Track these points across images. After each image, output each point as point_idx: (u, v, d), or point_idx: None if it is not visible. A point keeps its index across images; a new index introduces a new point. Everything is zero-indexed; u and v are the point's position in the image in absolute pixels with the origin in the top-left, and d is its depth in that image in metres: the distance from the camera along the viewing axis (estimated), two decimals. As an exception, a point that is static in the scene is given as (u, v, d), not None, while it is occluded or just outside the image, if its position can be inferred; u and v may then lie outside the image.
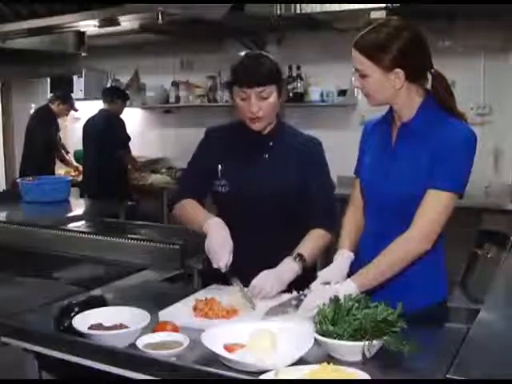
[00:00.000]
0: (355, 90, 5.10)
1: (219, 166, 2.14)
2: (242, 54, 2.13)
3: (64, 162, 6.21)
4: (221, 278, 2.01)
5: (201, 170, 2.19)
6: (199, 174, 2.20)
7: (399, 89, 1.76)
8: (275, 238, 2.03)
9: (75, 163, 6.17)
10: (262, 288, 1.87)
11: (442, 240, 1.83)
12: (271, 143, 2.15)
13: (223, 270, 1.92)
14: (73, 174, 5.98)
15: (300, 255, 1.97)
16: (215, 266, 1.93)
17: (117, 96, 5.50)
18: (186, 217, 2.15)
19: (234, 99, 2.08)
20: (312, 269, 2.16)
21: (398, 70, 1.72)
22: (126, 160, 5.51)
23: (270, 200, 2.09)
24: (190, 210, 2.14)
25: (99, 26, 2.90)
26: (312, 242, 2.05)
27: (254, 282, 1.89)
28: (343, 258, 1.88)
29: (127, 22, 3.01)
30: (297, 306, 1.77)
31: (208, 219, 2.02)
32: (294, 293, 1.86)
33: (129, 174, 5.62)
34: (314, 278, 1.82)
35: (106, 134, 5.24)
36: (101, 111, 5.44)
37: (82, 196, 5.41)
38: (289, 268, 1.94)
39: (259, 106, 2.02)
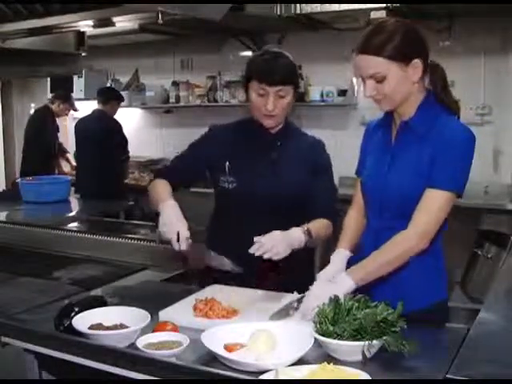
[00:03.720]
0: (355, 89, 5.12)
1: (227, 162, 2.15)
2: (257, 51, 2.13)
3: (66, 160, 6.21)
4: (220, 278, 2.01)
5: (192, 159, 2.22)
6: (188, 162, 2.23)
7: (417, 81, 1.76)
8: None
9: (74, 163, 6.17)
10: (273, 245, 1.85)
11: (441, 240, 1.83)
12: (279, 143, 2.17)
13: (179, 243, 1.92)
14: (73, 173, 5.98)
15: (308, 230, 1.97)
16: (168, 237, 1.94)
17: (111, 97, 5.49)
18: (151, 194, 2.17)
19: (250, 94, 2.10)
20: (311, 268, 2.19)
21: (415, 60, 1.73)
22: (125, 164, 5.52)
23: (275, 198, 2.10)
24: (157, 188, 2.16)
25: (99, 26, 2.90)
26: (318, 226, 2.06)
27: (266, 237, 1.86)
28: (340, 256, 1.89)
29: (127, 22, 3.01)
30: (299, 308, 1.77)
31: (166, 201, 2.04)
32: (295, 294, 1.86)
33: (125, 175, 5.63)
34: (312, 277, 1.83)
35: (102, 134, 5.22)
36: (94, 112, 5.43)
37: (81, 196, 5.41)
38: (297, 236, 1.94)
39: (275, 104, 2.05)
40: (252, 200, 2.11)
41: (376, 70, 1.72)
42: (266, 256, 1.84)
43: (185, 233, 1.94)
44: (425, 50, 1.78)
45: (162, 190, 2.15)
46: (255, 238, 1.85)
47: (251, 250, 1.84)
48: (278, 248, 1.86)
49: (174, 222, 1.97)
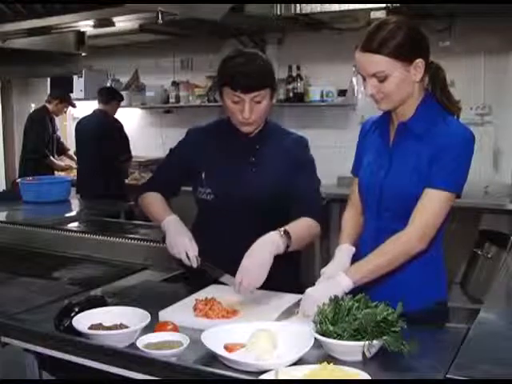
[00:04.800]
0: (355, 89, 5.12)
1: (203, 173, 2.10)
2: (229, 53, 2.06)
3: (70, 158, 6.20)
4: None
5: (175, 168, 2.21)
6: (172, 171, 2.21)
7: (419, 81, 1.76)
8: None
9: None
10: (249, 280, 1.79)
11: (441, 240, 1.83)
12: (258, 146, 2.10)
13: (193, 260, 1.94)
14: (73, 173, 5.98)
15: (286, 231, 1.89)
16: (178, 256, 1.96)
17: (112, 97, 5.49)
18: (147, 209, 2.18)
19: (225, 100, 2.01)
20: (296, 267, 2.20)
21: (418, 60, 1.73)
22: (127, 164, 5.53)
23: (256, 204, 2.06)
24: (152, 202, 2.16)
25: (99, 26, 2.90)
26: (300, 225, 1.98)
27: (238, 276, 1.81)
28: (343, 252, 1.88)
29: (127, 22, 3.01)
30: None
31: (166, 217, 2.04)
32: (296, 295, 1.86)
33: (126, 175, 5.63)
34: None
35: (103, 134, 5.22)
36: (95, 111, 5.42)
37: (82, 196, 5.41)
38: (272, 242, 1.85)
39: (252, 110, 1.97)
40: (232, 209, 2.06)
41: (378, 69, 1.71)
42: (249, 291, 1.81)
43: (193, 252, 1.95)
44: (427, 50, 1.78)
45: (157, 205, 2.15)
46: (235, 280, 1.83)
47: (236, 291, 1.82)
48: (254, 279, 1.79)
49: (180, 242, 1.97)
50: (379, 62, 1.71)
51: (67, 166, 6.08)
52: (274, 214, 2.04)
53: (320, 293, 1.67)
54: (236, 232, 2.05)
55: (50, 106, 5.94)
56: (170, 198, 2.21)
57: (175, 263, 2.11)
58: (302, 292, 1.78)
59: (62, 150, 6.19)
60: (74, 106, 6.12)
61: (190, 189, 2.22)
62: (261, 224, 1.99)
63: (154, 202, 2.16)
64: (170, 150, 2.27)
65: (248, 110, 1.96)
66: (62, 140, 6.28)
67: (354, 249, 1.89)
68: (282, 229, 1.90)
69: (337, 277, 1.72)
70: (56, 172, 5.94)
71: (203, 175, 2.10)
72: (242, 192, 2.06)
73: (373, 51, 1.71)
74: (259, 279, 1.80)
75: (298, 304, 1.79)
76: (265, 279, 1.80)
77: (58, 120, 6.16)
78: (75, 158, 6.08)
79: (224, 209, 2.08)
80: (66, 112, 6.22)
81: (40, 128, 5.83)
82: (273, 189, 2.06)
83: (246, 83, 1.94)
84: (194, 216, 2.28)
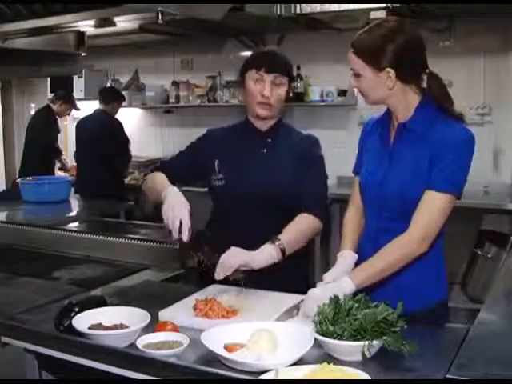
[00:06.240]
0: (355, 89, 5.11)
1: (216, 160, 2.19)
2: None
3: (61, 162, 6.22)
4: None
5: (190, 158, 2.27)
6: (183, 159, 2.29)
7: (391, 88, 1.78)
8: (271, 231, 2.00)
9: (74, 163, 6.16)
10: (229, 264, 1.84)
11: (442, 240, 1.83)
12: (269, 140, 2.20)
13: (184, 232, 1.90)
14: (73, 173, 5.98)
15: (278, 239, 1.93)
16: (171, 225, 1.90)
17: (113, 97, 5.49)
18: (150, 185, 2.18)
19: (246, 84, 2.14)
20: (305, 270, 2.21)
21: (388, 69, 1.75)
22: (126, 165, 5.54)
23: (266, 194, 2.11)
24: (157, 179, 2.16)
25: (99, 26, 2.90)
26: (295, 228, 2.02)
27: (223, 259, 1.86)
28: (346, 258, 1.87)
29: (127, 22, 3.02)
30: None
31: (167, 187, 2.03)
32: (296, 295, 1.86)
33: (126, 175, 5.64)
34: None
35: (104, 134, 5.22)
36: (96, 111, 5.43)
37: (82, 196, 5.41)
38: (266, 256, 1.90)
39: (271, 91, 2.10)
40: (241, 196, 2.12)
41: (352, 66, 1.82)
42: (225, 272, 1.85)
43: (187, 222, 1.91)
44: (403, 60, 1.75)
45: (162, 179, 2.14)
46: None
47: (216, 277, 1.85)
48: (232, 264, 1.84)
49: (177, 210, 1.92)
50: (354, 60, 1.81)
51: (72, 167, 6.10)
52: (282, 205, 2.11)
53: (323, 295, 1.67)
54: (245, 220, 2.10)
55: (54, 107, 5.94)
56: (177, 181, 2.19)
57: (171, 238, 2.06)
58: (306, 293, 1.78)
59: (56, 154, 6.18)
60: (77, 108, 6.11)
61: (201, 190, 2.24)
62: (269, 213, 2.07)
63: (158, 177, 2.16)
64: (188, 145, 2.33)
65: (268, 89, 2.10)
66: (58, 144, 6.27)
67: (356, 256, 1.88)
68: (277, 240, 1.93)
69: (340, 280, 1.72)
70: (56, 172, 5.96)
71: (216, 162, 2.19)
72: (252, 180, 2.13)
73: (353, 50, 1.81)
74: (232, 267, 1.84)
75: (298, 305, 1.79)
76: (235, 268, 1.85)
77: (59, 121, 6.16)
78: (67, 163, 6.09)
79: (234, 195, 2.15)
80: (69, 114, 6.21)
81: (47, 127, 5.84)
82: (280, 181, 2.12)
83: (270, 63, 2.12)
84: (204, 218, 2.29)
